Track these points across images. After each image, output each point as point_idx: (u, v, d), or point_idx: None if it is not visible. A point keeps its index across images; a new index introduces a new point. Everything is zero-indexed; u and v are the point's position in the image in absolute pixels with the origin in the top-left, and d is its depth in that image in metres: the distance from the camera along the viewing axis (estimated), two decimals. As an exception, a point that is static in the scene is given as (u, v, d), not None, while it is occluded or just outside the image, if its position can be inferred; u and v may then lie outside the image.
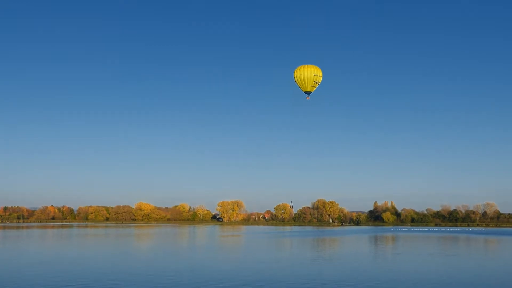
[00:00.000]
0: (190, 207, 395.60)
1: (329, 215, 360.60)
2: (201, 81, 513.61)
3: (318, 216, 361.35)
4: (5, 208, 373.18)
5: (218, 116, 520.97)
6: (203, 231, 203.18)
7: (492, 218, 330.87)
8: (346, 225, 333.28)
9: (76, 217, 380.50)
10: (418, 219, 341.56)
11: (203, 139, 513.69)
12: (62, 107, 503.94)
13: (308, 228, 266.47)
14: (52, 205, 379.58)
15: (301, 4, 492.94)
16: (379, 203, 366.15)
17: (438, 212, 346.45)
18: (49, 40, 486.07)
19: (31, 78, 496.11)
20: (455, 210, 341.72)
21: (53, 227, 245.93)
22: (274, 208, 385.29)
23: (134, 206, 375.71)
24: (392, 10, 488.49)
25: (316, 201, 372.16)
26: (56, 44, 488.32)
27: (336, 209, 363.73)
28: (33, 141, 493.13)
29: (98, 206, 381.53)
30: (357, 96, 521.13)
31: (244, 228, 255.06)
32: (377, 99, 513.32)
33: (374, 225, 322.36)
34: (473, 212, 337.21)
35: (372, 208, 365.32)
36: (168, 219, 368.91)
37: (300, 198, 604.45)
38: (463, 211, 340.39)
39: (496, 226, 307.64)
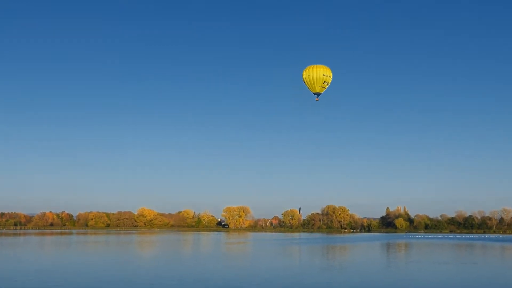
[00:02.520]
0: (194, 213, 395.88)
1: (339, 222, 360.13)
2: (202, 81, 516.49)
3: (328, 223, 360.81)
4: (2, 214, 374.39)
5: (223, 118, 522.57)
6: (208, 238, 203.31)
7: (509, 225, 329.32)
8: (357, 232, 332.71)
9: (76, 224, 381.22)
10: (432, 226, 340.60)
11: (207, 142, 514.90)
12: (60, 109, 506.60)
13: (318, 235, 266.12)
14: (50, 211, 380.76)
15: (301, 3, 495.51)
16: (391, 209, 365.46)
17: (453, 218, 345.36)
18: (49, 40, 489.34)
19: (29, 79, 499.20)
20: (470, 216, 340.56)
21: (51, 234, 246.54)
22: (282, 214, 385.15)
23: (136, 212, 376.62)
24: (394, 9, 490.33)
25: (326, 206, 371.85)
26: (55, 44, 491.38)
27: (347, 215, 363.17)
28: (30, 144, 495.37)
29: (99, 212, 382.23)
30: (365, 97, 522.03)
31: (250, 235, 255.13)
32: (388, 100, 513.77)
33: (386, 232, 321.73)
34: (490, 219, 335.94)
35: (384, 214, 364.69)
36: (172, 226, 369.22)
37: (309, 204, 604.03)
38: (479, 218, 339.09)
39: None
